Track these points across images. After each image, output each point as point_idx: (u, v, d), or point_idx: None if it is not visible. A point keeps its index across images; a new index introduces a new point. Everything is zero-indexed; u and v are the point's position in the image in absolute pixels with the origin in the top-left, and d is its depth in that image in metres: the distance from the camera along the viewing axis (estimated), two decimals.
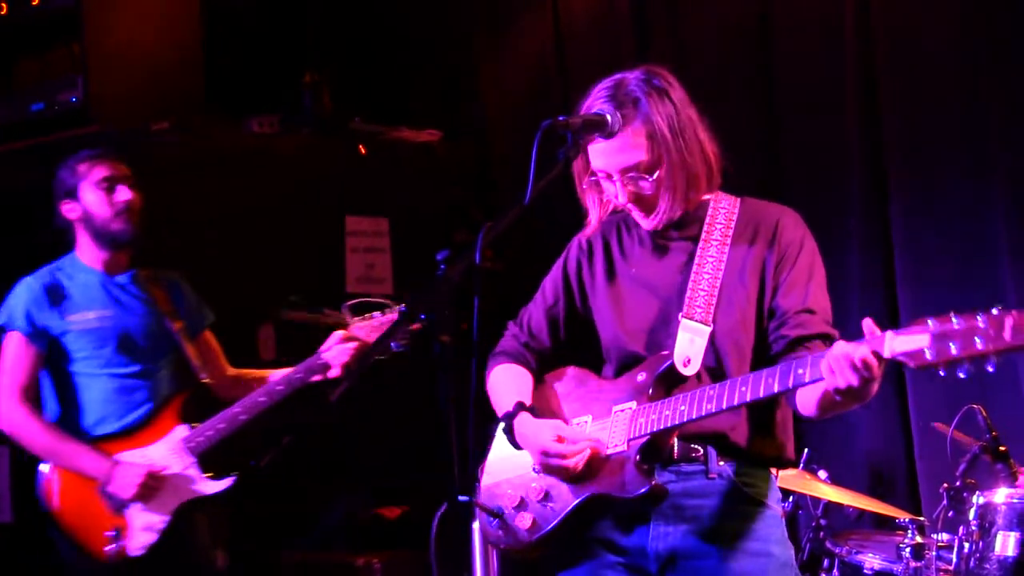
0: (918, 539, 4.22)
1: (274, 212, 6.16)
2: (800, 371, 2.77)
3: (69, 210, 4.51)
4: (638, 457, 3.00)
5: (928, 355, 2.53)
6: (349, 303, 4.35)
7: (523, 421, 3.16)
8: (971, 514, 4.00)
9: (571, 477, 3.07)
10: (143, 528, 4.34)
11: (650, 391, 3.04)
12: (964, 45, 5.16)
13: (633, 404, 3.06)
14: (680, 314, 3.06)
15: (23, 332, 4.43)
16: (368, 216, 6.57)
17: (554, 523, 3.10)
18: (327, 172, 6.47)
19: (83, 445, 4.38)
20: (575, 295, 3.28)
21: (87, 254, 4.54)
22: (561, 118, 2.91)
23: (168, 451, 4.41)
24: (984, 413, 4.15)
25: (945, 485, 4.10)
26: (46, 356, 4.44)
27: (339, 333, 4.33)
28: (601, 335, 3.22)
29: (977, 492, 4.02)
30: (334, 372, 4.34)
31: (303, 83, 6.61)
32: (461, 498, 3.00)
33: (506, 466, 3.25)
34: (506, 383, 3.30)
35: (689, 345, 3.04)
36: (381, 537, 6.02)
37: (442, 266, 2.74)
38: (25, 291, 4.48)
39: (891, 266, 5.37)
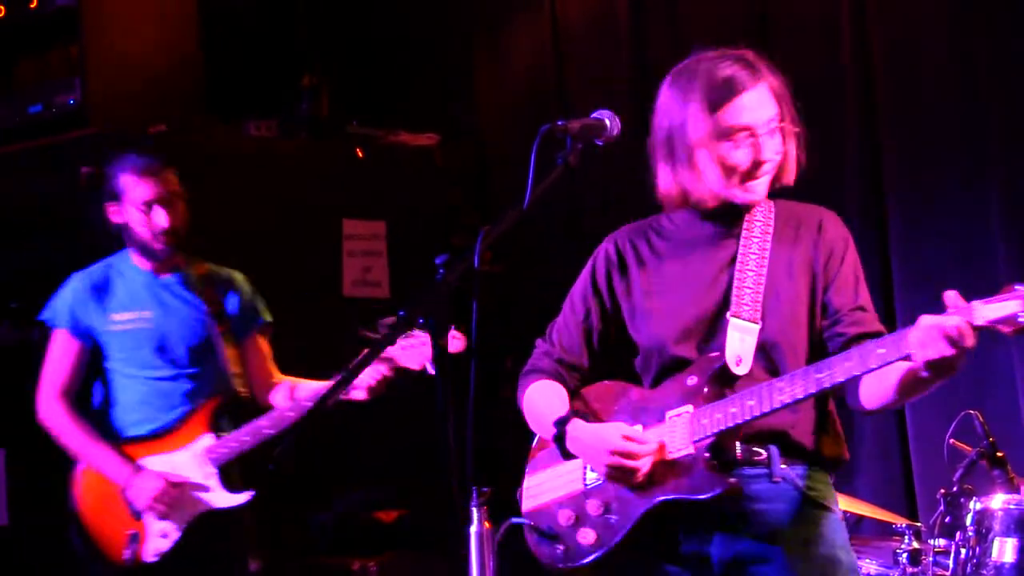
0: (915, 544, 4.21)
1: (271, 215, 6.15)
2: (881, 351, 2.76)
3: (114, 213, 4.50)
4: (708, 455, 2.96)
5: (1022, 318, 2.57)
6: (386, 320, 4.27)
7: (579, 426, 3.07)
8: (968, 520, 3.99)
9: (636, 483, 3.01)
10: (158, 535, 4.36)
11: (704, 392, 3.00)
12: (963, 48, 5.16)
13: (689, 408, 3.01)
14: (728, 313, 3.04)
15: (68, 329, 4.46)
16: (365, 219, 6.57)
17: (620, 535, 3.04)
18: (324, 175, 6.47)
19: (110, 448, 4.40)
20: (607, 306, 3.21)
21: (135, 256, 4.54)
22: (560, 122, 2.90)
23: (191, 459, 4.41)
24: (981, 419, 4.14)
25: (942, 491, 4.09)
26: (91, 352, 4.45)
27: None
28: (640, 342, 3.16)
29: (974, 498, 4.02)
30: (358, 394, 4.29)
31: (301, 86, 6.62)
32: (515, 520, 3.02)
33: (550, 486, 3.20)
34: (547, 398, 3.21)
35: (740, 344, 3.01)
36: (378, 540, 6.01)
37: (441, 270, 2.73)
38: (71, 287, 4.51)
39: (888, 270, 5.36)
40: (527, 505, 3.23)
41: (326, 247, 6.42)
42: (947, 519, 4.08)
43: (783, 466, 3.00)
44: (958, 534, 4.02)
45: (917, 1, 5.32)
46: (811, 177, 5.75)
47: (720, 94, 3.01)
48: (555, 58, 6.69)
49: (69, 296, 4.50)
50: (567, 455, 3.10)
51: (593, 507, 3.10)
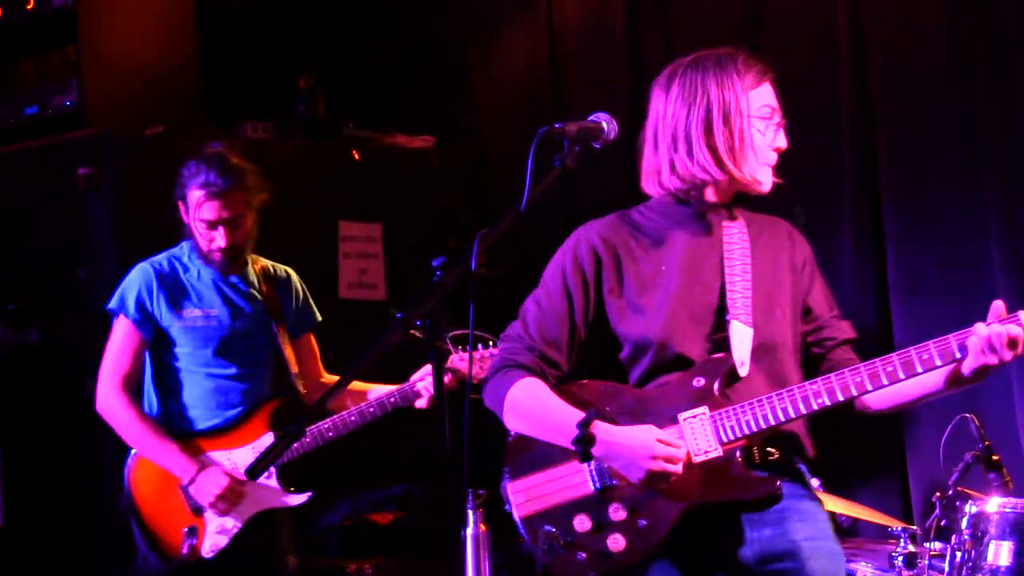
0: (911, 548, 4.22)
1: (267, 216, 6.15)
2: (925, 356, 2.91)
3: (183, 212, 4.50)
4: (740, 458, 3.00)
5: None
6: (453, 333, 4.15)
7: (608, 429, 3.02)
8: (964, 523, 3.99)
9: (666, 487, 3.00)
10: (217, 531, 4.38)
11: (716, 394, 3.02)
12: (959, 50, 5.16)
13: (705, 409, 3.02)
14: (727, 315, 3.07)
15: (132, 319, 4.45)
16: (361, 221, 6.57)
17: (656, 540, 3.01)
18: (320, 177, 6.47)
19: (173, 443, 4.41)
20: (591, 299, 3.17)
21: (200, 250, 4.54)
22: (557, 125, 2.90)
23: (253, 457, 4.42)
24: (977, 422, 4.15)
25: (938, 494, 4.10)
26: (151, 344, 4.46)
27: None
28: (631, 338, 3.12)
29: (970, 501, 4.02)
30: (422, 403, 4.33)
31: (297, 88, 6.62)
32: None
33: (549, 489, 3.13)
34: (547, 397, 3.13)
35: (740, 346, 3.04)
36: (373, 543, 6.01)
37: (438, 272, 2.73)
38: (139, 277, 4.49)
39: (884, 274, 5.37)
40: (524, 510, 3.15)
41: (322, 249, 6.42)
42: (943, 522, 4.09)
43: (795, 465, 3.11)
44: (954, 537, 4.03)
45: (914, 3, 5.32)
46: (806, 179, 5.80)
47: (755, 76, 3.15)
48: (551, 61, 6.69)
49: (136, 286, 4.47)
50: (587, 458, 3.01)
51: (616, 512, 3.06)
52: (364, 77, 7.15)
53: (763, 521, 3.04)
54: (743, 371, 3.03)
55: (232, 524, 4.38)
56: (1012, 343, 2.87)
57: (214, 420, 4.46)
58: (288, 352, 4.56)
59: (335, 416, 4.40)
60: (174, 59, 6.31)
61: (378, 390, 4.50)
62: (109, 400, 4.45)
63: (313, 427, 4.38)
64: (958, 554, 3.99)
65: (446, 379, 4.14)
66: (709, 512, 3.02)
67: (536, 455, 3.16)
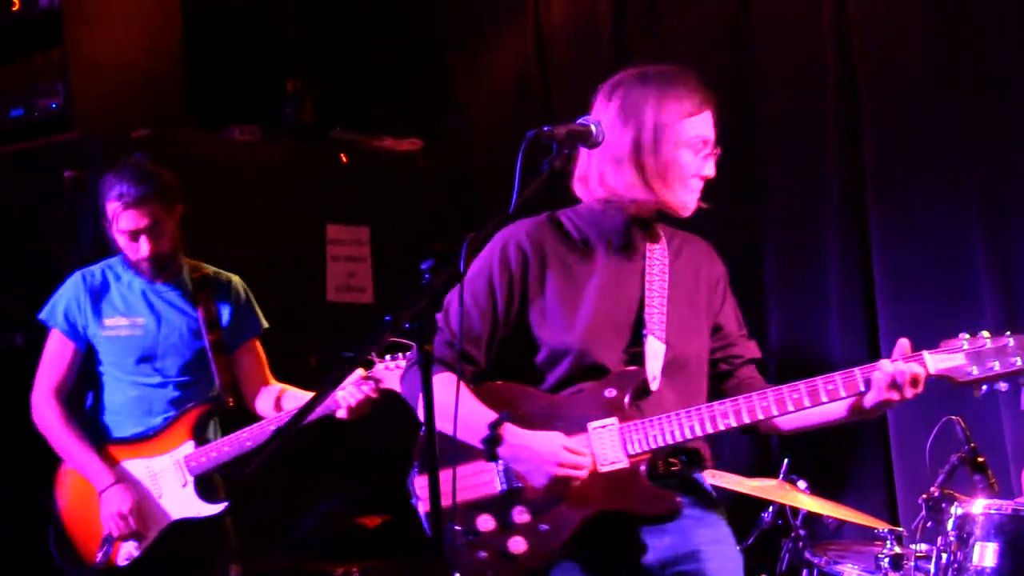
0: (897, 549, 4.24)
1: (254, 220, 6.15)
2: (830, 387, 2.97)
3: (107, 227, 4.47)
4: (644, 471, 3.05)
5: (975, 371, 2.82)
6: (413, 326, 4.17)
7: (516, 432, 3.06)
8: (949, 525, 4.01)
9: (567, 493, 3.05)
10: (131, 539, 4.37)
11: (626, 406, 3.07)
12: (944, 53, 5.18)
13: (614, 420, 3.06)
14: (644, 330, 3.12)
15: (61, 329, 4.48)
16: (349, 225, 6.56)
17: (556, 544, 3.06)
18: (308, 180, 6.46)
19: (92, 452, 4.41)
20: (515, 300, 3.18)
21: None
22: (546, 128, 2.91)
23: (170, 465, 4.42)
24: (963, 424, 4.17)
25: (924, 496, 4.11)
26: (84, 354, 4.48)
27: (359, 372, 4.23)
28: (548, 344, 3.15)
29: (955, 503, 4.04)
30: (341, 414, 4.27)
31: (285, 91, 6.61)
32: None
33: (461, 485, 3.10)
34: (461, 393, 3.10)
35: (653, 361, 3.10)
36: (361, 546, 6.01)
37: (426, 275, 2.74)
38: (69, 287, 4.52)
39: (870, 280, 5.38)
40: (430, 505, 3.13)
41: (310, 252, 6.41)
42: (928, 524, 4.10)
43: (694, 474, 3.19)
44: (939, 539, 4.04)
45: (898, 7, 5.34)
46: (791, 182, 5.81)
47: (696, 104, 3.13)
48: (540, 64, 6.70)
49: (65, 297, 4.50)
50: (493, 457, 3.06)
51: (520, 515, 3.10)
52: (352, 80, 7.14)
53: (663, 529, 3.11)
54: (654, 385, 3.09)
55: (146, 534, 4.37)
56: (914, 382, 2.94)
57: (137, 428, 4.46)
58: (217, 361, 4.53)
59: (254, 425, 4.38)
60: (161, 62, 6.29)
61: (294, 396, 4.51)
62: (41, 410, 4.48)
63: (232, 435, 4.38)
64: (944, 556, 4.00)
65: (369, 389, 4.14)
66: (611, 519, 3.07)
67: (447, 451, 3.11)
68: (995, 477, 4.15)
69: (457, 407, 2.85)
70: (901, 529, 4.39)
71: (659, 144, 3.10)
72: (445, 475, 3.04)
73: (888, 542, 4.27)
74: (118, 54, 6.12)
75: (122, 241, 4.44)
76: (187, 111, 6.40)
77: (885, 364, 2.93)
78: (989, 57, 5.05)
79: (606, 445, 3.06)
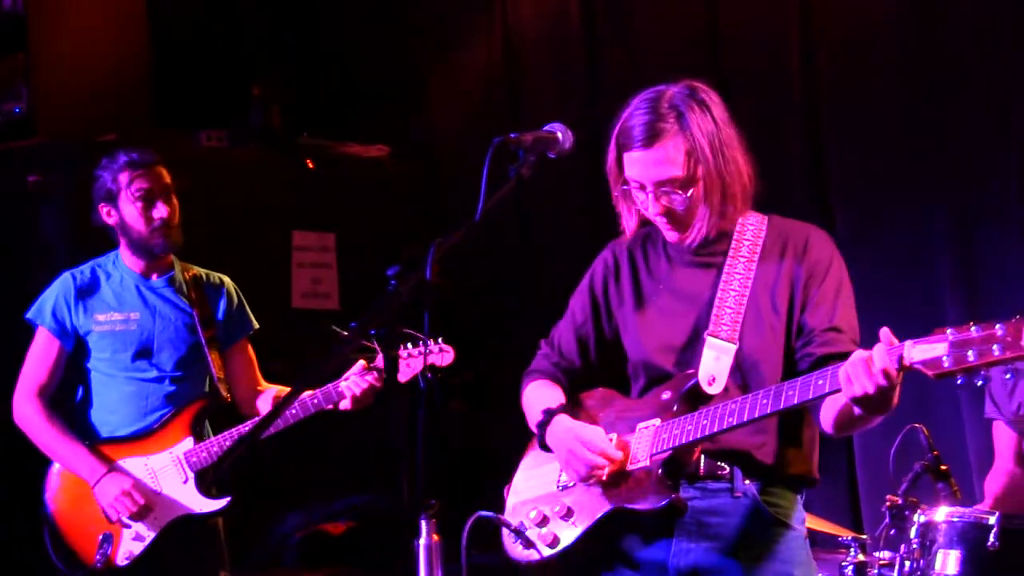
0: (860, 557, 4.25)
1: (221, 225, 6.13)
2: (820, 382, 2.79)
3: (108, 214, 4.47)
4: (660, 471, 3.00)
5: (946, 363, 2.56)
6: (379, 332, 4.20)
7: (560, 421, 3.15)
8: (912, 532, 4.03)
9: (598, 484, 3.07)
10: (132, 538, 4.33)
11: (674, 408, 3.03)
12: (907, 67, 5.22)
13: (657, 421, 3.05)
14: (706, 332, 3.06)
15: (49, 328, 4.44)
16: (315, 231, 6.55)
17: (575, 538, 3.09)
18: (274, 186, 6.45)
19: (82, 446, 4.38)
20: (602, 314, 3.25)
21: (127, 256, 4.52)
22: (513, 135, 2.91)
23: (169, 462, 4.39)
24: (926, 432, 4.19)
25: (887, 503, 4.13)
26: (72, 353, 4.45)
27: (361, 363, 4.23)
28: (629, 354, 3.20)
29: (919, 510, 4.06)
30: (345, 404, 4.28)
31: (252, 97, 6.59)
32: (483, 513, 3.03)
33: (532, 484, 3.26)
34: (539, 397, 3.28)
35: (715, 363, 3.03)
36: (326, 553, 5.99)
37: (392, 282, 2.73)
38: (57, 286, 4.48)
39: None
40: (511, 501, 3.29)
41: (276, 258, 6.40)
42: (892, 532, 4.12)
43: (746, 482, 3.04)
44: (903, 546, 4.06)
45: (864, 16, 5.37)
46: (756, 192, 5.80)
47: (621, 141, 3.05)
48: (508, 72, 6.71)
49: (53, 296, 4.47)
50: (544, 447, 3.18)
51: (560, 508, 3.14)
52: (319, 86, 7.14)
53: (700, 533, 3.04)
54: (714, 388, 3.02)
55: (147, 530, 4.32)
56: (871, 372, 2.67)
57: (135, 425, 4.43)
58: (213, 357, 4.53)
59: (256, 418, 4.39)
60: (127, 67, 6.27)
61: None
62: (23, 409, 4.45)
63: (232, 430, 4.36)
64: (907, 563, 4.03)
65: (372, 379, 4.17)
66: (645, 518, 3.03)
67: (538, 452, 3.28)
68: (958, 485, 4.17)
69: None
70: (865, 537, 4.41)
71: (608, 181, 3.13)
72: (523, 476, 3.31)
73: (852, 550, 4.29)
74: (84, 58, 6.09)
75: (136, 210, 4.41)
76: (154, 116, 6.38)
77: (855, 354, 2.71)
78: (954, 66, 5.08)
79: (641, 445, 3.05)
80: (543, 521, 3.16)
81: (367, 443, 5.84)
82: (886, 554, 4.18)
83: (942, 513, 4.02)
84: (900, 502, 4.11)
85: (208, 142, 6.32)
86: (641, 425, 3.08)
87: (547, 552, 3.13)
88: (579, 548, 3.10)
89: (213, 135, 6.32)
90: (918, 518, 4.04)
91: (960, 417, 5.00)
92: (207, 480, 4.39)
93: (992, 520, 3.92)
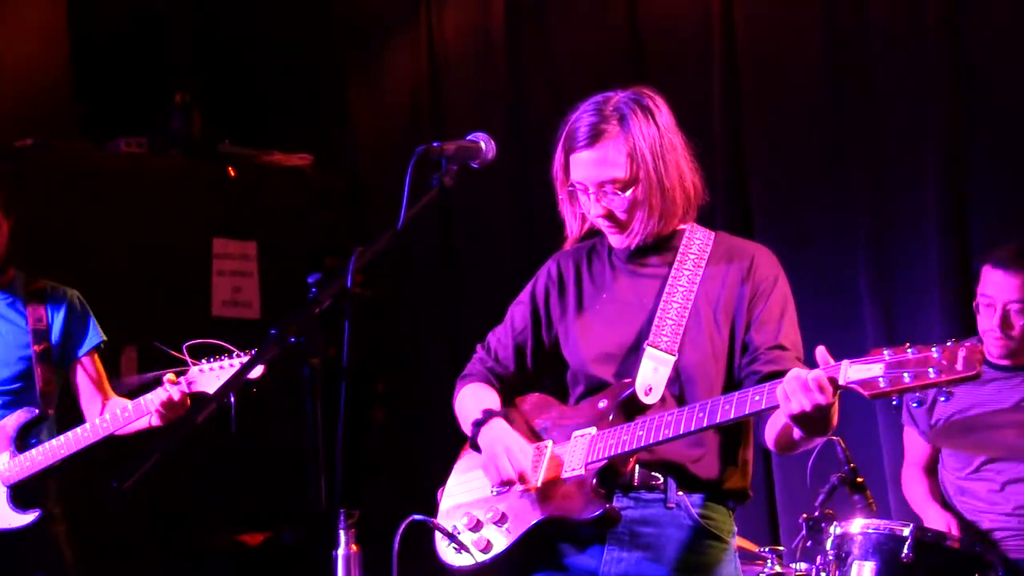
0: (777, 568, 4.28)
1: (141, 233, 6.07)
2: (756, 398, 2.79)
3: None
4: (595, 481, 3.00)
5: (882, 384, 2.58)
6: (190, 343, 4.16)
7: (497, 423, 3.16)
8: (828, 544, 4.07)
9: (527, 495, 3.07)
10: None
11: (610, 417, 3.04)
12: (829, 79, 5.27)
13: (593, 430, 3.05)
14: (645, 342, 3.07)
15: None
16: (236, 239, 6.50)
17: (508, 545, 3.09)
18: (195, 194, 6.40)
19: None
20: (542, 323, 3.27)
21: None
22: (435, 144, 2.91)
23: None
24: (843, 445, 4.23)
25: (804, 515, 4.17)
26: None
27: (168, 376, 4.20)
28: (569, 361, 3.21)
29: (835, 522, 4.10)
30: (154, 420, 4.24)
31: (173, 104, 6.54)
32: (416, 517, 3.02)
33: (465, 488, 3.25)
34: (473, 400, 3.28)
35: (652, 374, 3.05)
36: (242, 563, 5.94)
37: (313, 289, 2.71)
38: None
39: None
40: (444, 504, 3.28)
41: (196, 266, 6.34)
42: (808, 543, 4.16)
43: (680, 494, 3.06)
44: (819, 558, 4.10)
45: (784, 22, 5.42)
46: (703, 203, 5.82)
47: (567, 144, 3.09)
48: (431, 81, 6.71)
49: None
50: (475, 446, 3.20)
51: (494, 514, 3.14)
52: (241, 94, 7.09)
53: (632, 543, 3.05)
54: (651, 398, 3.04)
55: None
56: (807, 388, 2.68)
57: None
58: (44, 372, 4.47)
59: (68, 432, 4.32)
60: (47, 73, 6.21)
61: (114, 403, 4.45)
62: None
63: (47, 444, 4.32)
64: (823, 574, 4.07)
65: (175, 392, 4.12)
66: (577, 527, 3.04)
67: (472, 456, 3.29)
68: (873, 497, 4.22)
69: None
70: (782, 548, 4.44)
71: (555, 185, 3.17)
72: (463, 479, 3.28)
73: (769, 561, 4.32)
74: (2, 64, 6.01)
75: None
76: (74, 122, 6.30)
77: (791, 371, 2.73)
78: (878, 78, 5.13)
79: (576, 453, 3.05)
80: (476, 526, 3.16)
81: (282, 450, 5.81)
82: (802, 566, 4.22)
83: (857, 525, 4.07)
84: (817, 514, 4.15)
85: (128, 148, 6.25)
86: (577, 433, 3.09)
87: (480, 558, 3.12)
88: (512, 552, 3.10)
89: (133, 141, 6.25)
90: (834, 530, 4.09)
91: (876, 430, 5.06)
92: (21, 494, 4.33)
93: (906, 532, 3.98)
